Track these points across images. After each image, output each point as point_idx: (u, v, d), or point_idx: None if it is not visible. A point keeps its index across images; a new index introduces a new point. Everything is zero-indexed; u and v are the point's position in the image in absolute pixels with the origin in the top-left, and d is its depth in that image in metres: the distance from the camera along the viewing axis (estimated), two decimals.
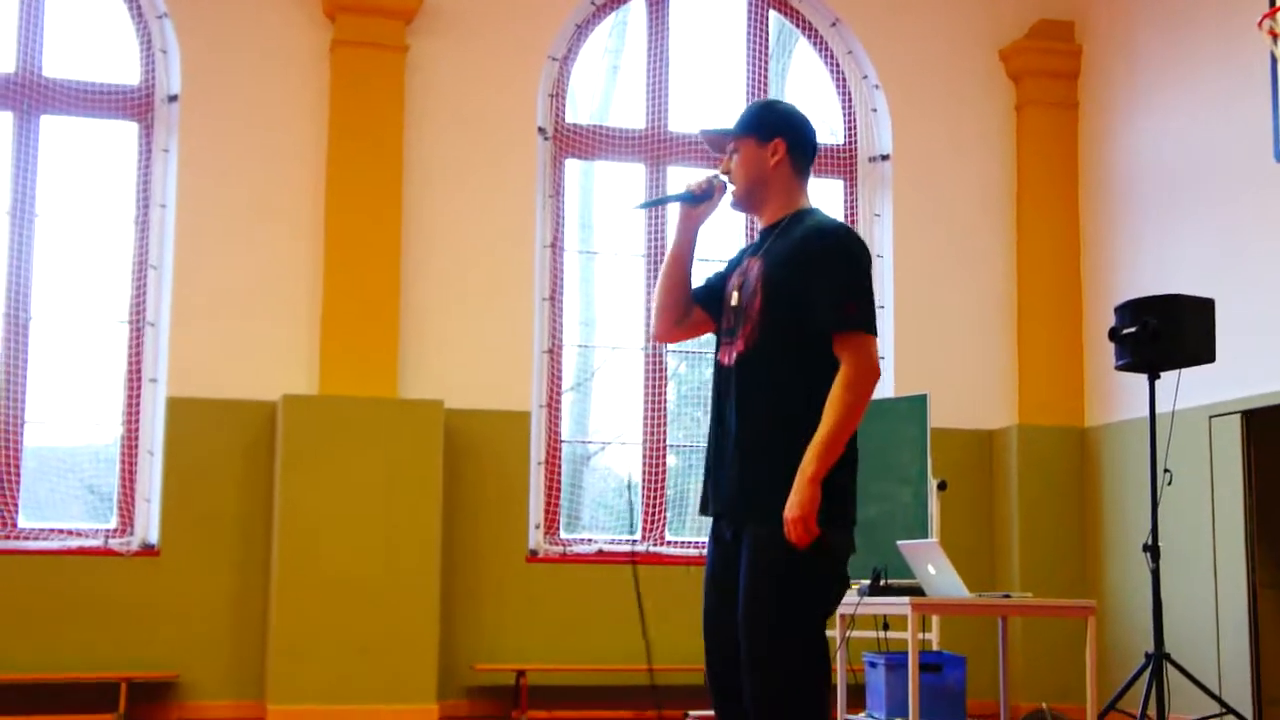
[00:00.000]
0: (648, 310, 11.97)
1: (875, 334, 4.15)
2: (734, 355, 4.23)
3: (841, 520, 4.11)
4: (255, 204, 11.14)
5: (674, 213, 4.60)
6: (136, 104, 11.22)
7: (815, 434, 4.04)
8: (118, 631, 10.53)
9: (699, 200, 4.44)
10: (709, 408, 4.46)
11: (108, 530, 10.86)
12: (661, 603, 11.27)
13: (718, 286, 4.42)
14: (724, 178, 4.44)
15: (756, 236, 4.41)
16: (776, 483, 4.06)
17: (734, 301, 4.29)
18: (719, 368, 4.36)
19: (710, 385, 4.47)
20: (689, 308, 4.43)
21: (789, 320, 4.11)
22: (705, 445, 4.53)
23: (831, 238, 4.17)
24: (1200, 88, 11.22)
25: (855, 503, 4.21)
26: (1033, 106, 12.50)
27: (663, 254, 11.80)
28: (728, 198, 4.45)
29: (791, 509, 3.97)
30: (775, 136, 4.37)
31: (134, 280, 11.12)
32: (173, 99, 11.18)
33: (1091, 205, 12.33)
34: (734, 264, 4.43)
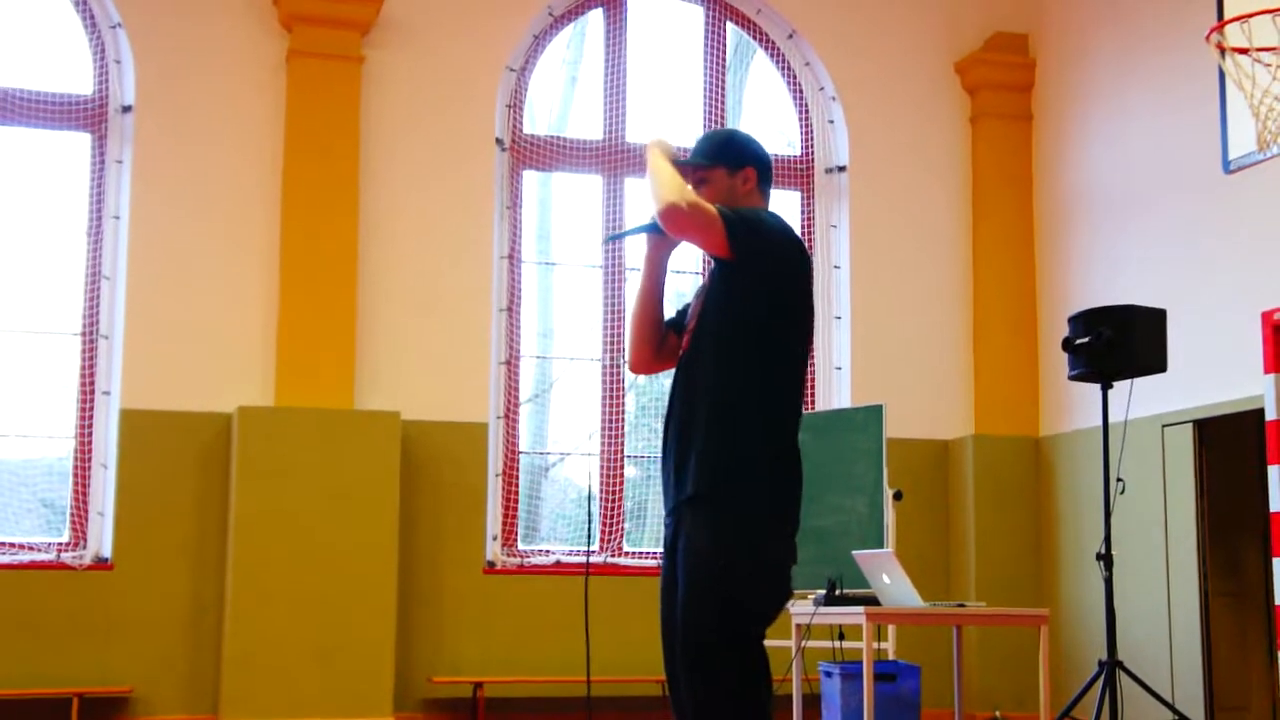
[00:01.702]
0: (606, 324, 12.02)
1: (717, 225, 4.17)
2: (680, 359, 4.36)
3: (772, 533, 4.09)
4: (210, 215, 11.11)
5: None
6: (89, 114, 11.17)
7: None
8: (70, 646, 10.47)
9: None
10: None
11: (60, 544, 10.80)
12: (619, 614, 11.28)
13: (685, 313, 4.53)
14: None
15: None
16: (701, 463, 4.14)
17: (692, 324, 4.42)
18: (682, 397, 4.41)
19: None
20: (664, 336, 4.49)
21: (715, 321, 4.22)
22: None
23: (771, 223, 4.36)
24: (1152, 100, 11.33)
25: (795, 514, 4.19)
26: (988, 118, 12.60)
27: (620, 266, 11.91)
28: None
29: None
30: (745, 165, 4.45)
31: (87, 292, 11.06)
32: (126, 109, 11.15)
33: (1046, 216, 12.42)
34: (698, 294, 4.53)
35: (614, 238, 3.93)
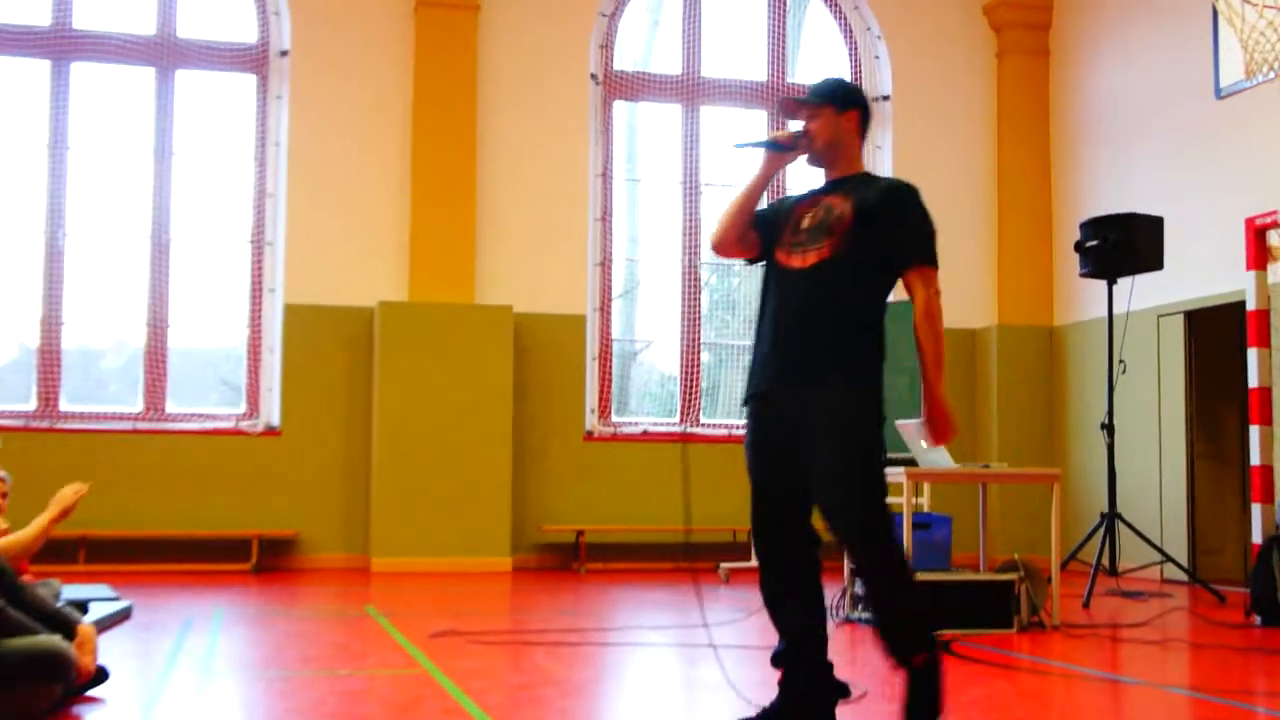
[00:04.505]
0: (685, 232, 12.12)
1: (938, 267, 4.32)
2: (809, 261, 4.30)
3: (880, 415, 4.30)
4: (354, 141, 11.33)
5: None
6: (254, 59, 11.43)
7: (924, 358, 4.21)
8: (248, 498, 10.88)
9: (784, 149, 4.50)
10: (777, 303, 4.41)
11: (238, 415, 11.17)
12: (698, 474, 11.58)
13: (771, 219, 4.51)
14: (801, 135, 4.48)
15: (823, 186, 4.49)
16: (835, 360, 4.22)
17: (806, 224, 4.37)
18: (785, 271, 4.36)
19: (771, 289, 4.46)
20: (749, 230, 4.52)
21: (872, 245, 4.26)
22: (755, 336, 4.53)
23: (913, 194, 4.37)
24: (1153, 37, 11.31)
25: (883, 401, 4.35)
26: (1012, 53, 12.60)
27: (696, 182, 12.08)
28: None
29: (937, 414, 4.23)
30: (851, 108, 4.49)
31: (255, 206, 11.36)
32: (284, 54, 11.37)
33: (1060, 136, 12.44)
34: (795, 202, 4.52)
35: (744, 145, 3.90)
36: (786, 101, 4.56)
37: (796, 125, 4.54)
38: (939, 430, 4.24)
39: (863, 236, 4.24)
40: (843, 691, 4.18)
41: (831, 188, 4.44)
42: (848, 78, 12.61)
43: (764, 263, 4.50)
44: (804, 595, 4.23)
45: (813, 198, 4.46)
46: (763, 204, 4.59)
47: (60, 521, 5.64)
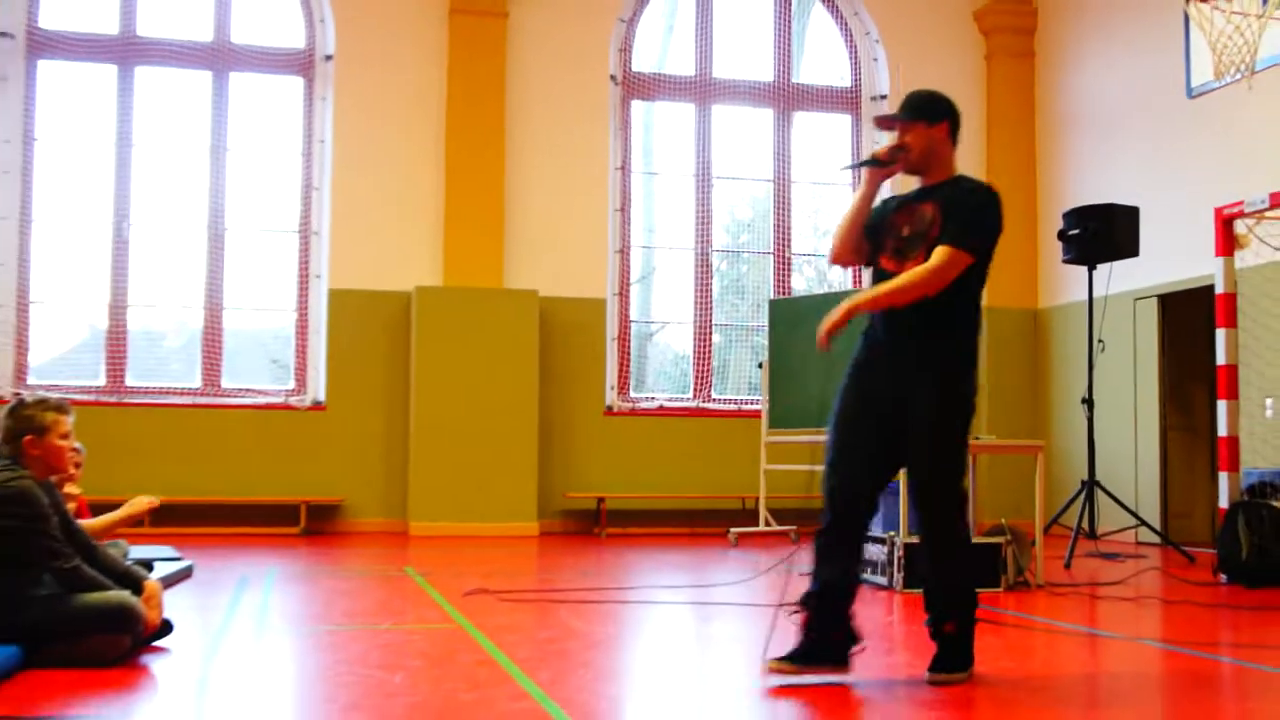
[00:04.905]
0: (698, 221, 12.11)
1: (971, 257, 4.30)
2: (909, 268, 4.35)
3: (974, 379, 4.45)
4: (392, 138, 11.35)
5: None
6: (301, 63, 11.46)
7: (886, 285, 4.26)
8: (297, 467, 10.95)
9: (885, 165, 4.51)
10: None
11: (287, 390, 11.23)
12: (707, 446, 11.67)
13: (876, 228, 4.55)
14: (899, 149, 4.49)
15: (917, 191, 4.54)
16: (939, 349, 4.34)
17: (906, 232, 4.43)
18: (890, 276, 4.37)
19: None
20: (862, 241, 4.56)
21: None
22: (868, 326, 4.54)
23: (982, 194, 4.44)
24: (1129, 40, 11.27)
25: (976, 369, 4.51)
26: (1000, 55, 12.58)
27: (708, 175, 12.06)
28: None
29: (831, 316, 4.22)
30: (942, 119, 4.51)
31: (302, 199, 11.40)
32: (328, 58, 11.39)
33: (1045, 133, 12.42)
34: (895, 209, 4.55)
35: (849, 167, 3.83)
36: (882, 119, 4.60)
37: (891, 140, 4.57)
38: (828, 323, 4.23)
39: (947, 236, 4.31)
40: (857, 640, 4.29)
41: (925, 194, 4.50)
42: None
43: (872, 267, 4.55)
44: (853, 552, 4.35)
45: (909, 206, 4.52)
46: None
47: (128, 524, 5.76)
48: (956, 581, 4.31)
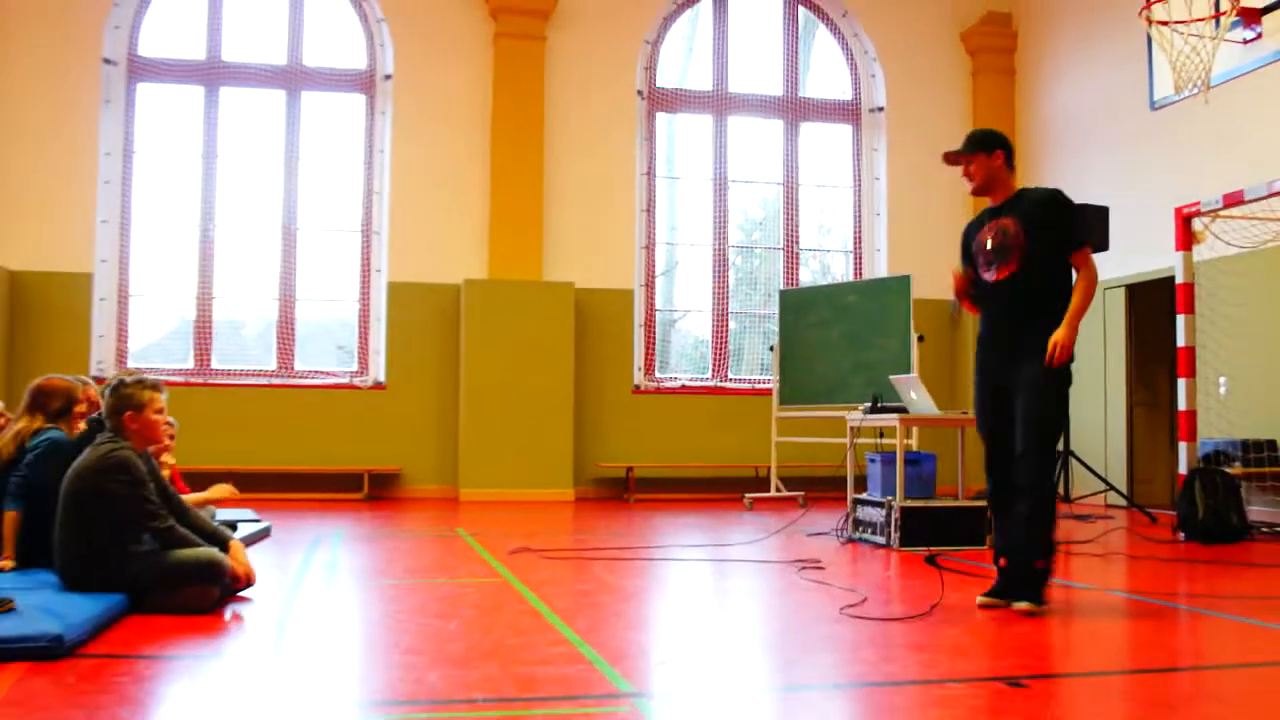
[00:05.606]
0: (714, 219, 12.09)
1: (1091, 247, 4.66)
2: (1002, 275, 4.68)
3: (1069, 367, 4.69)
4: (443, 147, 11.36)
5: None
6: (363, 81, 11.49)
7: (1075, 304, 4.51)
8: (360, 440, 11.00)
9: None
10: (987, 304, 4.78)
11: (351, 372, 11.28)
12: (725, 422, 11.67)
13: (967, 249, 4.89)
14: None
15: (991, 210, 4.80)
16: (1042, 338, 4.55)
17: (990, 245, 4.69)
18: (987, 285, 4.74)
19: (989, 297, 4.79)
20: (967, 266, 4.89)
21: (1044, 247, 4.61)
22: (981, 326, 4.88)
23: (1061, 197, 4.68)
24: (1100, 58, 11.21)
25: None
26: (984, 73, 12.52)
27: (725, 178, 12.04)
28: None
29: (1059, 337, 4.48)
30: (996, 149, 4.77)
31: (364, 202, 11.43)
32: (388, 78, 11.42)
33: (1025, 141, 12.33)
34: (976, 229, 4.85)
35: (955, 308, 4.10)
36: (949, 155, 4.86)
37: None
38: (1063, 348, 4.52)
39: (1031, 246, 4.62)
40: (1042, 577, 4.53)
41: (998, 212, 4.78)
42: (860, 97, 12.50)
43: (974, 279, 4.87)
44: (1013, 514, 4.63)
45: (987, 223, 4.80)
46: None
47: (209, 506, 5.89)
48: (1051, 530, 4.57)
